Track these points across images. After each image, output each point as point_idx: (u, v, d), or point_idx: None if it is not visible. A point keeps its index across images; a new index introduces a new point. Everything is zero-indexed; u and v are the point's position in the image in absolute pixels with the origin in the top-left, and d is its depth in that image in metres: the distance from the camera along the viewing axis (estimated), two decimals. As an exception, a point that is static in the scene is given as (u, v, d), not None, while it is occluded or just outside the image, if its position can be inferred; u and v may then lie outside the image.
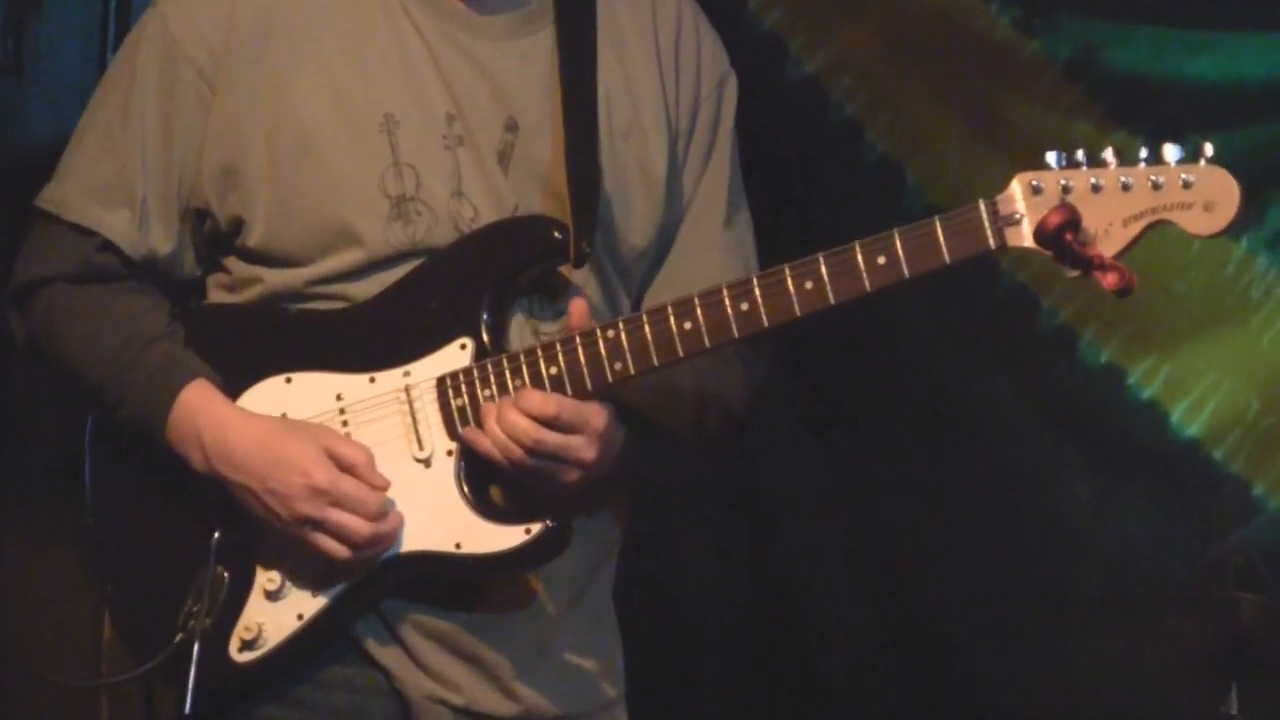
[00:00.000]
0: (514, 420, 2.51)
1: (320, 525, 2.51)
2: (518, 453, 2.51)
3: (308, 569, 2.57)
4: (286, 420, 2.60)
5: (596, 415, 2.54)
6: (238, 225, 2.62)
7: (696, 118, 2.75)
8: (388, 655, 2.61)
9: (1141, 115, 3.81)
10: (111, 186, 2.63)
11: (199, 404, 2.58)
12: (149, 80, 2.64)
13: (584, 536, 2.70)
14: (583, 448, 2.55)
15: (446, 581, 2.62)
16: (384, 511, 2.56)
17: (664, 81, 2.74)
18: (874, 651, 3.98)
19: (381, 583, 2.58)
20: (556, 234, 2.59)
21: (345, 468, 2.54)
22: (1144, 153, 2.47)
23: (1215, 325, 3.99)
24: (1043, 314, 3.97)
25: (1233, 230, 2.51)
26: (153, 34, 2.65)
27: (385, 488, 2.55)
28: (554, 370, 2.57)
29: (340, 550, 2.51)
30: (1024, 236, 2.47)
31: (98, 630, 3.54)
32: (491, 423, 2.52)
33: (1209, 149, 2.47)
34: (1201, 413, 4.04)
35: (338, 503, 2.50)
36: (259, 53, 2.63)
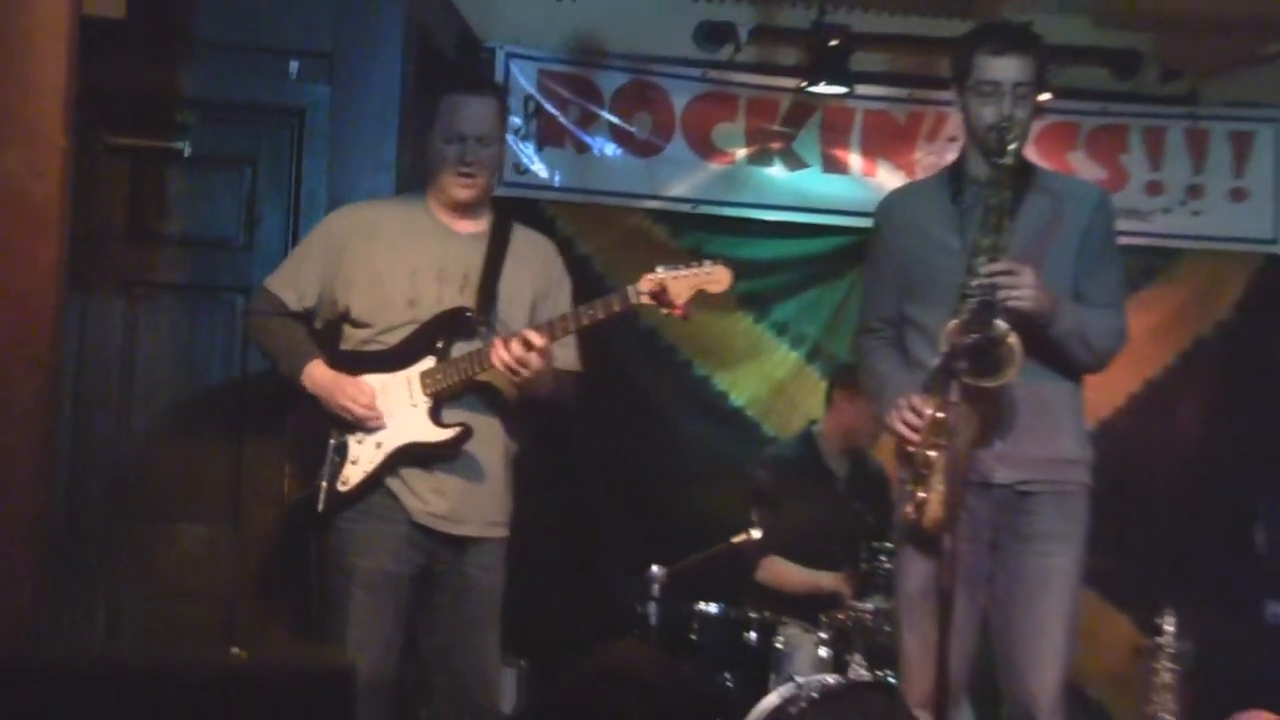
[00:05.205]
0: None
1: (345, 411, 4.11)
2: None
3: (367, 455, 4.12)
4: (346, 377, 4.12)
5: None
6: (346, 311, 4.23)
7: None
8: (399, 488, 4.16)
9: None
10: (290, 283, 4.28)
11: (315, 367, 4.20)
12: (315, 244, 4.28)
13: (498, 444, 4.20)
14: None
15: (427, 457, 4.14)
16: (371, 410, 4.09)
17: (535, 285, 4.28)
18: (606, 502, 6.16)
19: (398, 457, 4.14)
20: (468, 314, 4.16)
21: (351, 397, 4.07)
22: (696, 264, 3.93)
23: (747, 356, 6.35)
24: (674, 351, 6.33)
25: (727, 293, 4.01)
26: (324, 223, 4.34)
27: (373, 402, 4.06)
28: (478, 370, 4.10)
29: (352, 419, 4.09)
30: (645, 297, 3.96)
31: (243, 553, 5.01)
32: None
33: (721, 261, 3.91)
34: (743, 395, 6.45)
35: (349, 402, 4.09)
36: (365, 238, 4.19)
